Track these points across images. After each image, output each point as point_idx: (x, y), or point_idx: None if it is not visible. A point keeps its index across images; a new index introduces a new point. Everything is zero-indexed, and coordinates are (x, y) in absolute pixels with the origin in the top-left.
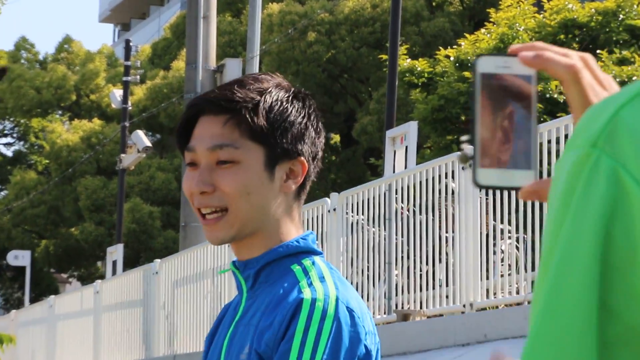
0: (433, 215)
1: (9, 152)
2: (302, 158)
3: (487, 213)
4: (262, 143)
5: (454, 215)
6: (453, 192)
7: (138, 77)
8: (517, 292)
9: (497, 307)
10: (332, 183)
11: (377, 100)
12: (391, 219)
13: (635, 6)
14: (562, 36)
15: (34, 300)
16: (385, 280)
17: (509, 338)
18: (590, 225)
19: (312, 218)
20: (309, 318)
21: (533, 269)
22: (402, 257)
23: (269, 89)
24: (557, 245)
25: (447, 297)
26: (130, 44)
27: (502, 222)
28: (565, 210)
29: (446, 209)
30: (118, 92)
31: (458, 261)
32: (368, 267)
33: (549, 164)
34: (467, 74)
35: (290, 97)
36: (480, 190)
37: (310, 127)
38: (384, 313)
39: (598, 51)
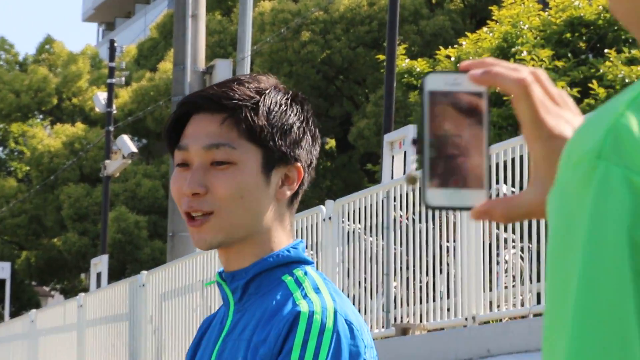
0: (433, 224)
1: None
2: (299, 164)
3: (490, 221)
4: (260, 145)
5: (455, 224)
6: None
7: (123, 79)
8: (522, 305)
9: (500, 320)
10: (327, 190)
11: (374, 102)
12: (389, 227)
13: None
14: (568, 35)
15: (14, 314)
16: (383, 292)
17: (513, 353)
18: (614, 236)
19: (307, 227)
20: (307, 332)
21: (538, 280)
22: (401, 268)
23: (268, 90)
24: (577, 263)
25: (448, 310)
26: (115, 44)
27: (505, 231)
28: (576, 228)
29: (447, 217)
30: (102, 95)
31: (460, 272)
32: (365, 278)
33: None
34: None
35: (290, 100)
36: None
37: (307, 133)
38: (382, 327)
39: (606, 50)
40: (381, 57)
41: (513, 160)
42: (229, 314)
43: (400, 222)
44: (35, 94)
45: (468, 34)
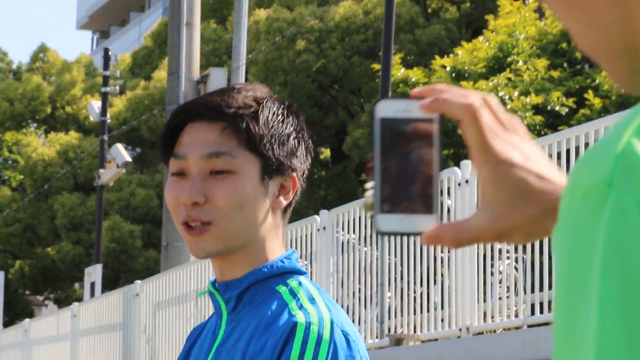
0: None
1: None
2: (294, 174)
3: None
4: (259, 154)
5: None
6: (449, 210)
7: (117, 87)
8: (516, 316)
9: (494, 331)
10: (321, 200)
11: (369, 112)
12: (384, 238)
13: None
14: (564, 45)
15: (7, 324)
16: (377, 302)
17: None
18: (634, 265)
19: (301, 237)
20: (304, 342)
21: (532, 291)
22: (395, 278)
23: (265, 99)
24: (594, 295)
25: (442, 320)
26: (109, 52)
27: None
28: (590, 260)
29: None
30: (96, 104)
31: (454, 283)
32: (359, 288)
33: None
34: (464, 84)
35: (286, 110)
36: (477, 207)
37: (302, 143)
38: (376, 337)
39: None
40: (376, 66)
41: None
42: (222, 323)
43: None
44: (29, 103)
45: (464, 43)
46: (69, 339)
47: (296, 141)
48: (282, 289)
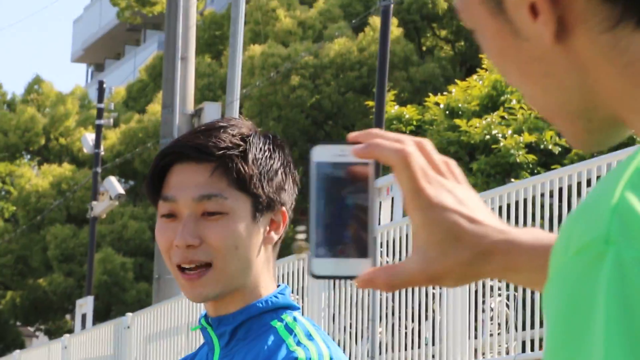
0: None
1: None
2: (284, 208)
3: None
4: (249, 193)
5: None
6: None
7: (111, 120)
8: (507, 353)
9: None
10: None
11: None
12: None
13: None
14: None
15: None
16: (368, 338)
17: None
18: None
19: (292, 272)
20: None
21: (524, 328)
22: (386, 313)
23: (251, 136)
24: (598, 353)
25: (433, 356)
26: (104, 85)
27: (491, 279)
28: (588, 320)
29: None
30: (90, 136)
31: (445, 319)
32: (351, 324)
33: (542, 217)
34: (458, 121)
35: (272, 145)
36: None
37: (289, 176)
38: None
39: None
40: (370, 103)
41: (500, 208)
42: (215, 358)
43: None
44: (23, 134)
45: (458, 81)
46: None
47: (284, 175)
48: (277, 324)
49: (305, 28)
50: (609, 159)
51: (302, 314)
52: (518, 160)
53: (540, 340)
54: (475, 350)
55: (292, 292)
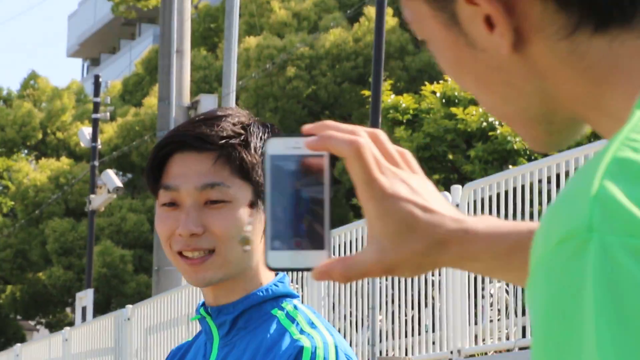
0: None
1: None
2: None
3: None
4: (251, 181)
5: None
6: None
7: (108, 114)
8: (507, 338)
9: (486, 353)
10: None
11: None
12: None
13: None
14: None
15: None
16: (368, 325)
17: None
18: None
19: None
20: None
21: (524, 313)
22: (386, 301)
23: (250, 124)
24: (594, 347)
25: (433, 343)
26: (100, 79)
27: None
28: (575, 308)
29: None
30: (87, 130)
31: (445, 305)
32: (351, 312)
33: (540, 204)
34: (454, 110)
35: (271, 134)
36: None
37: None
38: None
39: None
40: (367, 92)
41: (498, 195)
42: (214, 348)
43: None
44: (20, 129)
45: None
46: None
47: None
48: (278, 313)
49: (300, 19)
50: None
51: (302, 303)
52: (515, 147)
53: None
54: (476, 337)
55: (292, 281)
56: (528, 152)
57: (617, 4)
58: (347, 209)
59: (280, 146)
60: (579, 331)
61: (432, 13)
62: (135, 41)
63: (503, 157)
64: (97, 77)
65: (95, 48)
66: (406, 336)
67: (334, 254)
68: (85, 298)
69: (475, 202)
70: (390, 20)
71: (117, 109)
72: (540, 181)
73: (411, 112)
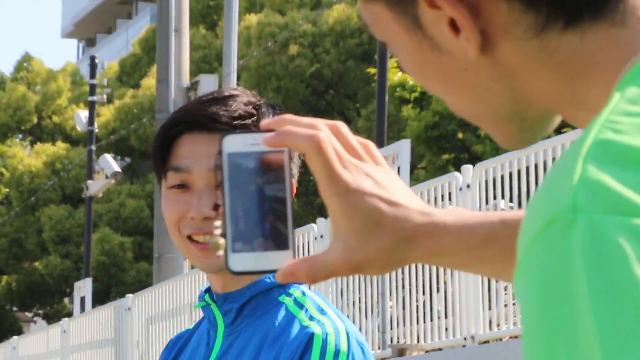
0: None
1: None
2: (293, 180)
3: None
4: None
5: None
6: None
7: (105, 96)
8: None
9: (501, 339)
10: (318, 208)
11: (366, 117)
12: None
13: None
14: None
15: None
16: (378, 312)
17: None
18: (634, 288)
19: (298, 246)
20: (322, 354)
21: None
22: (396, 287)
23: (259, 104)
24: (593, 327)
25: (446, 329)
26: (96, 60)
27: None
28: (566, 288)
29: None
30: (83, 113)
31: (457, 290)
32: (360, 298)
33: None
34: None
35: (278, 114)
36: None
37: None
38: (378, 348)
39: None
40: (372, 70)
41: (510, 174)
42: (218, 336)
43: None
44: (14, 113)
45: None
46: (59, 356)
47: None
48: (285, 299)
49: None
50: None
51: (309, 288)
52: None
53: None
54: (490, 322)
55: None
56: None
57: (586, 0)
58: None
59: (237, 143)
60: (573, 315)
61: (392, 17)
62: (132, 20)
63: None
64: (93, 58)
65: (90, 28)
66: (417, 323)
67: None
68: (84, 288)
69: (487, 182)
70: None
71: (114, 90)
72: (554, 159)
73: (419, 89)
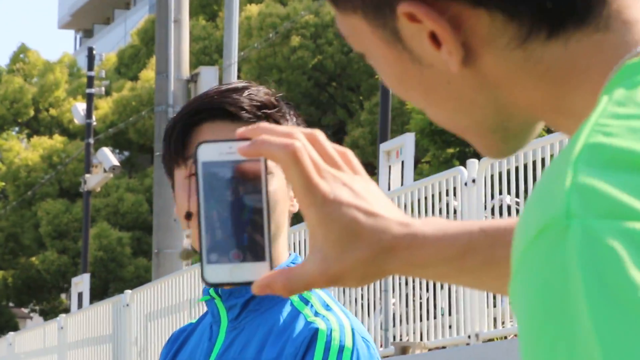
0: None
1: None
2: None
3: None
4: None
5: None
6: (455, 211)
7: (103, 88)
8: None
9: (505, 337)
10: None
11: (369, 110)
12: None
13: None
14: None
15: None
16: (381, 309)
17: None
18: (632, 293)
19: (300, 241)
20: (327, 350)
21: None
22: (399, 284)
23: (278, 97)
24: (592, 333)
25: (450, 327)
26: (94, 52)
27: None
28: (563, 294)
29: None
30: (81, 106)
31: (462, 288)
32: (362, 295)
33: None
34: None
35: (295, 112)
36: (485, 209)
37: None
38: (381, 346)
39: None
40: None
41: (517, 168)
42: (221, 331)
43: None
44: (10, 105)
45: None
46: (56, 353)
47: None
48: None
49: None
50: None
51: None
52: None
53: None
54: (495, 320)
55: None
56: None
57: (569, 8)
58: None
59: (213, 152)
60: (572, 321)
61: (371, 29)
62: (130, 11)
63: None
64: (90, 50)
65: (88, 19)
66: (421, 320)
67: None
68: (81, 283)
69: (492, 176)
70: None
71: (113, 83)
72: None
73: None
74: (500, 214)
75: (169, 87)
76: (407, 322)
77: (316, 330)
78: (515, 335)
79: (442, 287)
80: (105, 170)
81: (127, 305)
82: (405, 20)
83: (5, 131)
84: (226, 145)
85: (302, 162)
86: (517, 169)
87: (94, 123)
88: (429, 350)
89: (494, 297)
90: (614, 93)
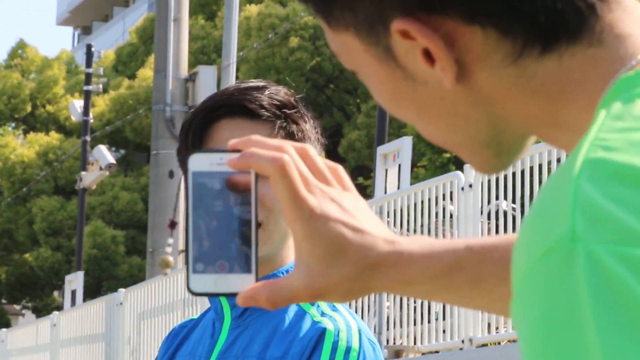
0: None
1: None
2: None
3: None
4: None
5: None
6: (451, 216)
7: (100, 86)
8: None
9: (499, 343)
10: None
11: (366, 113)
12: None
13: None
14: None
15: None
16: (375, 312)
17: None
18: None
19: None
20: (334, 350)
21: None
22: None
23: (296, 97)
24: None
25: (444, 331)
26: (92, 49)
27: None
28: (572, 320)
29: (443, 234)
30: (78, 103)
31: None
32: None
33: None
34: None
35: (312, 115)
36: (481, 214)
37: (318, 141)
38: None
39: None
40: None
41: (514, 174)
42: (224, 329)
43: None
44: (8, 101)
45: None
46: (49, 350)
47: (321, 143)
48: None
49: None
50: None
51: None
52: None
53: None
54: (489, 325)
55: None
56: None
57: (562, 24)
58: None
59: (203, 162)
60: (580, 346)
61: (364, 47)
62: (129, 8)
63: None
64: (89, 47)
65: (86, 15)
66: (415, 324)
67: None
68: (75, 281)
69: (489, 181)
70: None
71: (110, 80)
72: (558, 160)
73: None
74: (497, 219)
75: (167, 86)
76: (401, 326)
77: (324, 330)
78: (509, 341)
79: None
80: (101, 168)
81: (121, 303)
82: (398, 38)
83: (2, 127)
84: (217, 156)
85: (289, 176)
86: (513, 174)
87: (91, 120)
88: (423, 354)
89: None
90: (611, 107)
